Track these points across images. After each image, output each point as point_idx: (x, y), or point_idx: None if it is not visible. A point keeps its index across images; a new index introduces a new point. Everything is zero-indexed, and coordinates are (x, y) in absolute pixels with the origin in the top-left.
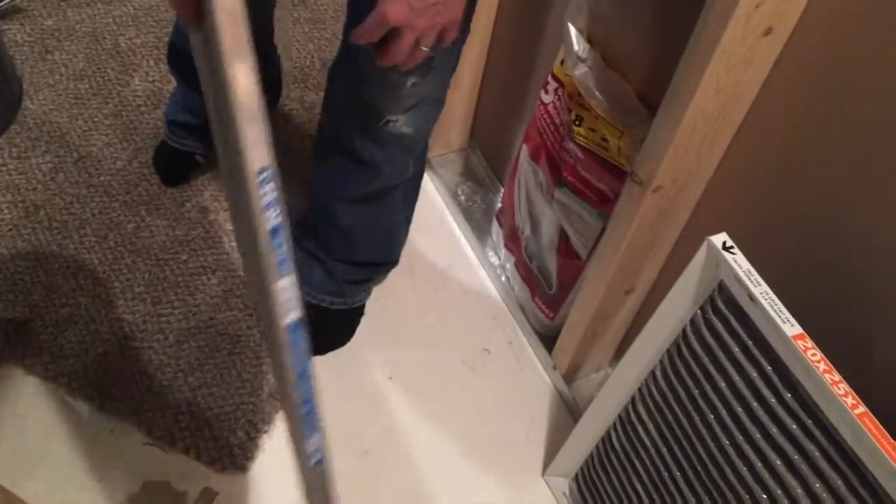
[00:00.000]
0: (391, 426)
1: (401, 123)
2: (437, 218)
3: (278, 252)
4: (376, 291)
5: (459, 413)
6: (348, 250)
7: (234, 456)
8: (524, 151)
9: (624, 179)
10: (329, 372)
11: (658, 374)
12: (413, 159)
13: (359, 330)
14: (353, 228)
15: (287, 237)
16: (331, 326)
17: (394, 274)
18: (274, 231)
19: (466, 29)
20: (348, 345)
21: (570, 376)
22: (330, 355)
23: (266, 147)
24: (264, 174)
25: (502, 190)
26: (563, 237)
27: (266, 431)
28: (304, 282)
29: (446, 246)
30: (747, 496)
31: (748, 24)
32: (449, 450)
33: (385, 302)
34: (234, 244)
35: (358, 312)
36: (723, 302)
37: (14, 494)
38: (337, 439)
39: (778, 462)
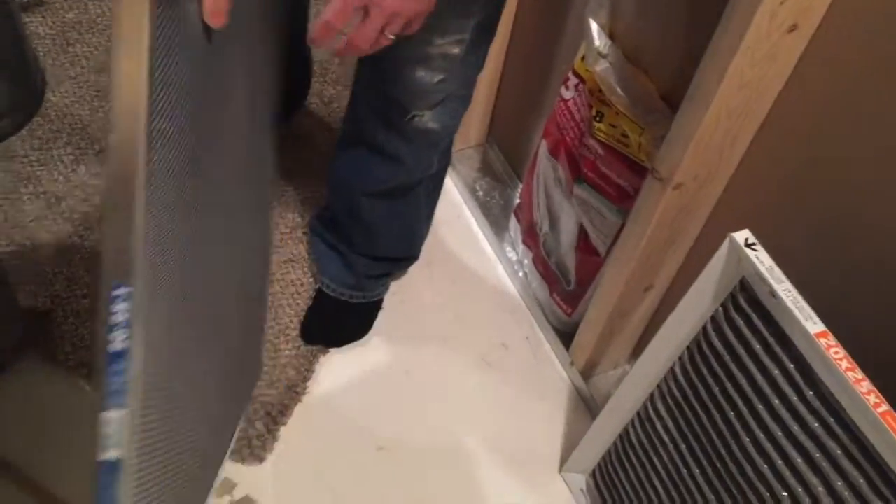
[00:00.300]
0: (408, 420)
1: (427, 118)
2: (455, 213)
3: (114, 380)
4: (394, 286)
5: (476, 408)
6: (369, 244)
7: (253, 447)
8: (543, 147)
9: (644, 176)
10: (346, 365)
11: (678, 370)
12: (437, 155)
13: (376, 324)
14: (375, 223)
15: (132, 367)
16: (349, 319)
17: (412, 269)
18: (115, 356)
19: (493, 30)
20: (366, 338)
21: (587, 373)
22: (347, 348)
23: (130, 261)
24: (121, 290)
25: (520, 186)
26: (582, 233)
27: (284, 424)
28: (324, 274)
29: (464, 241)
30: (768, 494)
31: (773, 20)
32: (465, 445)
33: (403, 296)
34: None
35: (376, 306)
36: (744, 299)
37: (41, 485)
38: (353, 434)
39: (799, 460)
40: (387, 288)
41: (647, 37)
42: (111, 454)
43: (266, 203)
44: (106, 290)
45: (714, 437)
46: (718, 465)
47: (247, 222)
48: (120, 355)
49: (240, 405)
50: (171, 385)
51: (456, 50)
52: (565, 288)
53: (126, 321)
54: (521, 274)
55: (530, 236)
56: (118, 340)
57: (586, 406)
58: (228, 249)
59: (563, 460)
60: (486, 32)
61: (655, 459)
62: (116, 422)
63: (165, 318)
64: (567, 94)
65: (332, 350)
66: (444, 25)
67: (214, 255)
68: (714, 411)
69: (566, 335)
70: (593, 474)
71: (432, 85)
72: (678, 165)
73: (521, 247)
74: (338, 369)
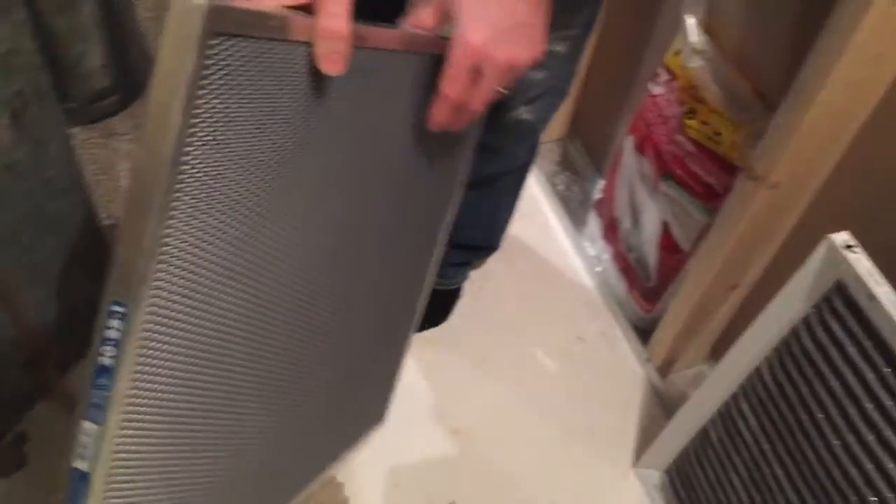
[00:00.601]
0: (482, 408)
1: (522, 111)
2: (534, 206)
3: (96, 393)
4: (473, 275)
5: (551, 400)
6: (453, 232)
7: None
8: (629, 143)
9: (734, 174)
10: (424, 350)
11: (764, 370)
12: (528, 147)
13: (455, 311)
14: (459, 211)
15: (116, 386)
16: (428, 305)
17: (491, 259)
18: (102, 370)
19: (594, 26)
20: (444, 325)
21: (663, 370)
22: (425, 333)
23: (133, 282)
24: (118, 308)
25: (600, 181)
26: (666, 230)
27: None
28: None
29: (542, 234)
30: (855, 498)
31: (886, 20)
32: (538, 435)
33: (482, 285)
34: None
35: (455, 294)
36: (840, 301)
37: None
38: (428, 416)
39: (891, 465)
40: (466, 276)
41: (744, 34)
42: (80, 464)
43: (419, 268)
44: (106, 302)
45: (800, 438)
46: (803, 466)
47: (377, 272)
48: (106, 371)
49: (333, 447)
50: (184, 414)
51: (560, 47)
52: (645, 284)
53: (116, 340)
54: (598, 269)
55: (610, 231)
56: (107, 355)
57: (661, 403)
58: (320, 299)
59: (637, 456)
60: (589, 28)
61: (736, 458)
62: (91, 435)
63: (187, 349)
64: (656, 90)
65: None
66: (552, 23)
67: (291, 295)
68: (801, 412)
69: (643, 332)
70: (668, 471)
71: (534, 80)
72: (775, 164)
73: (599, 242)
74: (416, 353)
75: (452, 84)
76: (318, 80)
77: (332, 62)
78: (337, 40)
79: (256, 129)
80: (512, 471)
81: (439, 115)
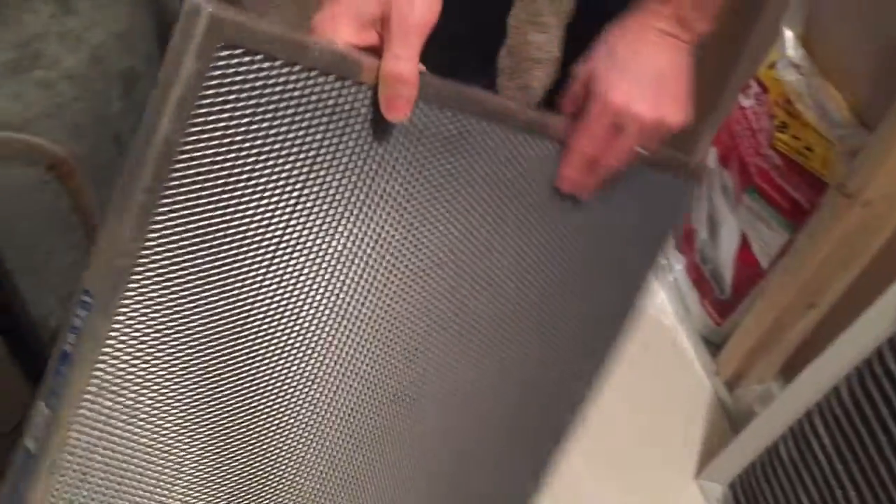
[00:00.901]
0: None
1: None
2: None
3: (55, 380)
4: None
5: (616, 407)
6: None
7: None
8: (712, 155)
9: (822, 191)
10: None
11: (843, 389)
12: None
13: None
14: None
15: (73, 376)
16: None
17: None
18: (63, 357)
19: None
20: None
21: (731, 384)
22: None
23: (102, 275)
24: (87, 299)
25: None
26: (745, 243)
27: None
28: None
29: None
30: None
31: None
32: (601, 441)
33: None
34: None
35: None
36: None
37: None
38: None
39: None
40: None
41: (844, 50)
42: (31, 445)
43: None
44: (79, 291)
45: (877, 460)
46: (878, 489)
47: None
48: (66, 358)
49: None
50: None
51: None
52: (718, 297)
53: (79, 329)
54: (671, 278)
55: (686, 242)
56: (69, 342)
57: (727, 417)
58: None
59: (699, 468)
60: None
61: (806, 477)
62: (42, 419)
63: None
64: (746, 102)
65: None
66: None
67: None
68: (880, 434)
69: (711, 344)
70: (732, 485)
71: None
72: (870, 182)
73: (673, 251)
74: None
75: (587, 139)
76: (379, 125)
77: (395, 108)
78: (401, 85)
79: (275, 159)
80: (572, 474)
81: (570, 171)
